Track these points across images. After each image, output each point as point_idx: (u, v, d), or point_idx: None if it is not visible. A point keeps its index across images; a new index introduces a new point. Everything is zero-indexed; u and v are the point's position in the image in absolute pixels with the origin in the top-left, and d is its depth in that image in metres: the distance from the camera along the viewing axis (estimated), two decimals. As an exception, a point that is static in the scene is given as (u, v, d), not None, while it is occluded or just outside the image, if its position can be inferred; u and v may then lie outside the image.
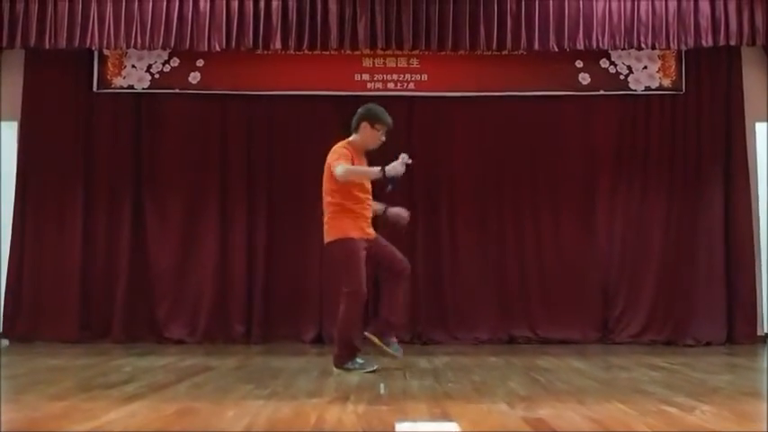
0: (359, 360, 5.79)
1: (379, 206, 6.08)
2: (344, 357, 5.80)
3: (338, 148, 5.85)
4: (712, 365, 6.24)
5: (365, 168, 5.86)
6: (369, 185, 5.90)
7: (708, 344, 7.84)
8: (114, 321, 7.99)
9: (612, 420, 3.88)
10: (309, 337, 8.01)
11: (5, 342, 7.85)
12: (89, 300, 8.06)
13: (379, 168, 5.67)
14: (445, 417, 4.02)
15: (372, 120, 5.87)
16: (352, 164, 5.76)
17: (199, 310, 8.08)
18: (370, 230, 5.91)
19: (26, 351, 7.07)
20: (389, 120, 5.92)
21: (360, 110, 5.98)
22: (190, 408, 4.23)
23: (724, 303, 8.03)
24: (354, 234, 5.76)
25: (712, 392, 4.76)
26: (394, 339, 6.01)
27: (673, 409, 4.13)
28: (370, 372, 5.65)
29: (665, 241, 8.17)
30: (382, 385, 5.06)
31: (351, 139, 5.94)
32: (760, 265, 8.10)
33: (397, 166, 5.64)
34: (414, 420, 3.97)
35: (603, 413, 4.06)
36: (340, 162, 5.67)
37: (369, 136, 5.89)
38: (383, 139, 5.89)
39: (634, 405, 4.24)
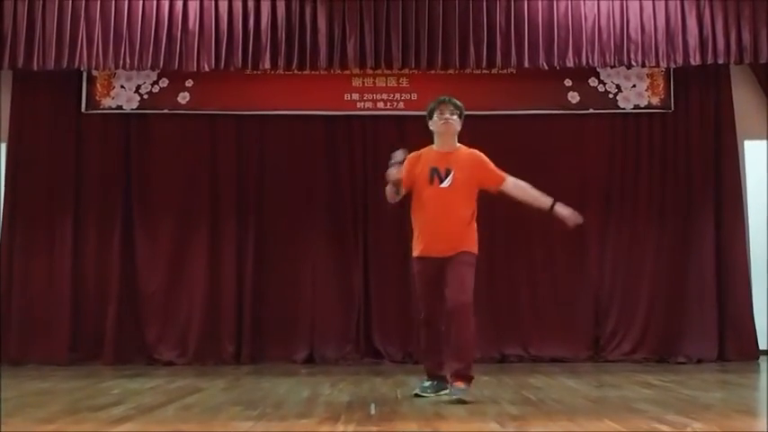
0: None
1: None
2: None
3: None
4: (704, 383, 6.22)
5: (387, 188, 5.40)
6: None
7: (699, 361, 7.82)
8: (104, 343, 7.92)
9: (604, 439, 3.86)
10: (300, 358, 7.97)
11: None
12: (79, 322, 8.01)
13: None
14: (436, 437, 4.00)
15: (427, 116, 5.51)
16: (413, 167, 5.36)
17: (189, 331, 8.04)
18: None
19: (15, 374, 7.00)
20: (439, 97, 5.52)
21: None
22: (177, 430, 4.19)
23: (715, 320, 8.02)
24: None
25: (704, 410, 4.74)
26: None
27: (665, 428, 4.11)
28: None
29: (656, 259, 8.18)
30: (373, 405, 5.02)
31: (433, 145, 5.58)
32: (750, 283, 8.09)
33: (391, 170, 5.22)
34: (404, 441, 3.94)
35: (595, 432, 4.04)
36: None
37: (434, 129, 5.46)
38: (446, 116, 5.39)
39: (626, 423, 4.22)
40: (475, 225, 5.42)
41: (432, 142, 5.54)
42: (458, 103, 5.49)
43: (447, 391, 5.26)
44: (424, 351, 5.56)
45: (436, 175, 5.33)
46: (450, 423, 4.39)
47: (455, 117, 5.43)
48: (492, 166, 5.46)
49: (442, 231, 5.29)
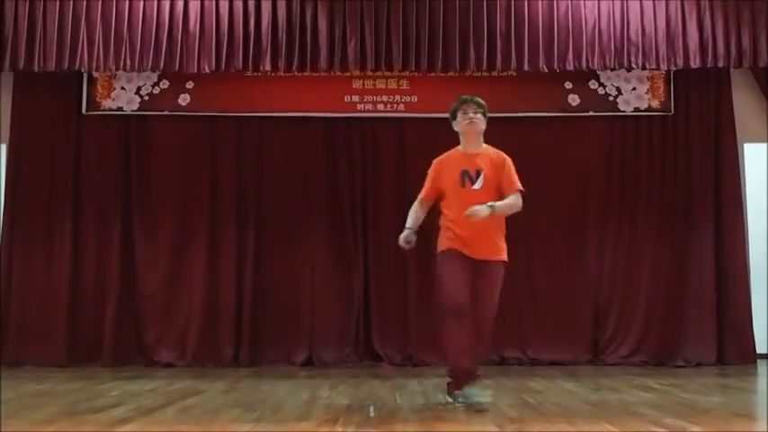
0: None
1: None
2: None
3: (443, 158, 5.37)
4: (703, 386, 6.22)
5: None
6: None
7: (698, 365, 7.82)
8: (103, 345, 7.92)
9: (602, 443, 3.86)
10: (299, 360, 7.96)
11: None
12: (77, 323, 8.01)
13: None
14: (434, 440, 3.99)
15: (451, 117, 5.33)
16: (439, 175, 5.28)
17: (188, 333, 8.04)
18: None
19: (13, 375, 7.00)
20: (462, 96, 5.34)
21: None
22: (177, 432, 4.20)
23: (714, 324, 8.02)
24: None
25: (703, 414, 4.74)
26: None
27: (663, 431, 4.10)
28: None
29: (655, 262, 8.18)
30: (372, 408, 5.02)
31: (459, 146, 5.40)
32: (750, 286, 8.10)
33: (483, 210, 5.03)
34: (403, 444, 3.94)
35: (594, 435, 4.04)
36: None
37: (459, 129, 5.30)
38: (470, 115, 5.21)
39: (624, 426, 4.22)
40: (504, 226, 5.33)
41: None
42: (480, 101, 5.31)
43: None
44: (461, 347, 5.03)
45: (467, 178, 5.19)
46: (449, 425, 4.39)
47: (479, 116, 5.26)
48: (513, 174, 5.28)
49: (477, 234, 5.12)
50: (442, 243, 5.23)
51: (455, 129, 5.35)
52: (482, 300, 5.13)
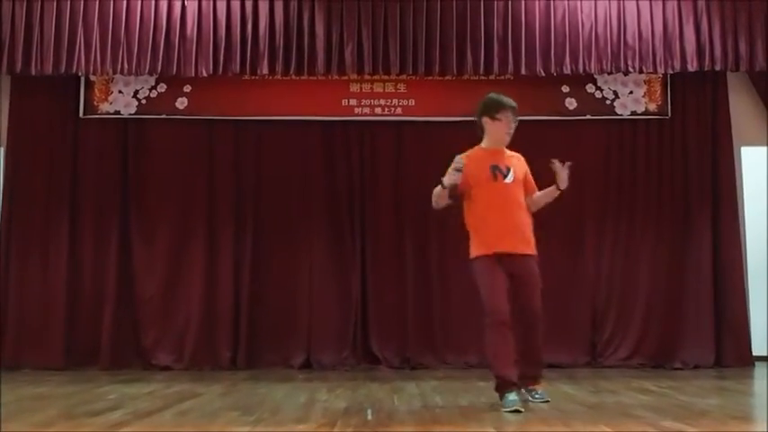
0: None
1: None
2: None
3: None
4: (701, 389, 6.22)
5: (435, 191, 5.28)
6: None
7: (696, 367, 7.83)
8: (101, 348, 7.91)
9: (600, 445, 3.86)
10: (297, 363, 7.96)
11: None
12: (75, 327, 7.99)
13: (439, 185, 5.23)
14: (432, 442, 3.99)
15: (490, 111, 5.34)
16: (468, 169, 5.17)
17: (185, 336, 8.03)
18: None
19: (10, 379, 6.99)
20: (509, 101, 5.38)
21: (478, 108, 5.44)
22: (175, 435, 4.19)
23: (712, 326, 8.03)
24: None
25: (700, 416, 4.74)
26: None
27: (661, 433, 4.11)
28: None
29: (653, 264, 8.18)
30: (369, 410, 5.02)
31: (482, 144, 5.42)
32: (747, 288, 8.11)
33: (451, 175, 5.14)
34: (401, 446, 3.94)
35: (591, 437, 4.04)
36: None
37: (493, 130, 5.34)
38: (512, 125, 5.33)
39: (621, 429, 4.22)
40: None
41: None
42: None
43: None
44: (505, 355, 5.12)
45: (498, 172, 5.26)
46: (446, 428, 4.39)
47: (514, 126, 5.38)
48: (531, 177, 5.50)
49: (513, 225, 5.21)
50: (475, 248, 5.28)
51: (485, 125, 5.37)
52: (532, 292, 5.28)
